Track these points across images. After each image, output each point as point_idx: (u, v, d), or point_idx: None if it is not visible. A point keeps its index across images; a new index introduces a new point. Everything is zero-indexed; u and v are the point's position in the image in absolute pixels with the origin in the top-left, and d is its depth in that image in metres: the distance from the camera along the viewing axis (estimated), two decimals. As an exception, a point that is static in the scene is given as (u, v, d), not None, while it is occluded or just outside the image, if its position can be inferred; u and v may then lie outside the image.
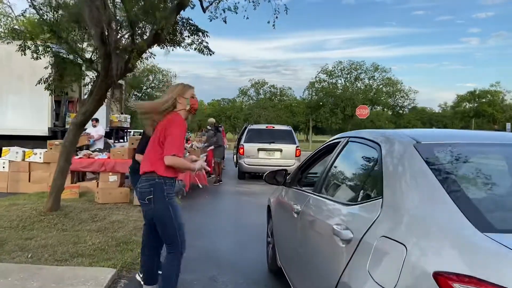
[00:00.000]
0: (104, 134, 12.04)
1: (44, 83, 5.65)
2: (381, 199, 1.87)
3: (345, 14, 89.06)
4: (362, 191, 2.15)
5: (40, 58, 5.47)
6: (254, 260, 4.65)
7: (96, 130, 11.58)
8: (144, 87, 46.68)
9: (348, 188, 2.51)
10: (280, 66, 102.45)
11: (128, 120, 17.38)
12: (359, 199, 2.13)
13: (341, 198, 2.45)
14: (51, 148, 8.74)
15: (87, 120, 5.43)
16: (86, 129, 9.46)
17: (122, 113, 16.54)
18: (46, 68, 5.81)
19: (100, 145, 11.40)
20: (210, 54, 5.97)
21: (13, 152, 8.74)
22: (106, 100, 16.98)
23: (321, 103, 47.23)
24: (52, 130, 11.53)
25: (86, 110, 5.30)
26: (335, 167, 2.83)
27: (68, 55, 5.57)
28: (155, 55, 8.82)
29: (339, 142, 2.93)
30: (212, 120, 13.51)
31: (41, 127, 11.32)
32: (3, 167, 8.67)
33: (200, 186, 8.50)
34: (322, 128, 54.02)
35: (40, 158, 8.68)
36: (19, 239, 4.74)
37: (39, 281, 3.46)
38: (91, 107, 5.25)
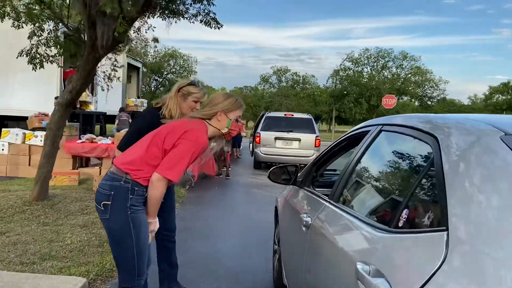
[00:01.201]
0: None
1: (27, 56, 4.99)
2: (445, 232, 1.07)
3: (371, 2, 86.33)
4: (406, 210, 1.34)
5: (22, 27, 4.80)
6: (259, 270, 3.91)
7: None
8: (165, 72, 46.21)
9: (383, 203, 1.69)
10: (303, 55, 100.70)
11: (145, 104, 16.81)
12: (401, 224, 1.32)
13: (370, 216, 1.64)
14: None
15: (75, 99, 4.78)
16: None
17: (138, 97, 15.81)
18: (29, 38, 5.12)
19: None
20: (218, 28, 5.21)
21: (13, 134, 8.23)
22: (124, 84, 16.38)
23: (345, 92, 45.77)
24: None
25: (72, 88, 4.63)
26: (362, 167, 2.02)
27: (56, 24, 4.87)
28: (154, 27, 8.05)
29: (368, 131, 2.11)
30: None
31: (50, 108, 10.83)
32: (2, 149, 8.18)
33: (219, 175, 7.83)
34: (346, 118, 52.54)
35: (40, 141, 8.12)
36: (-13, 233, 4.14)
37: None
38: (78, 85, 4.57)
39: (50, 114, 8.33)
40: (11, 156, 8.11)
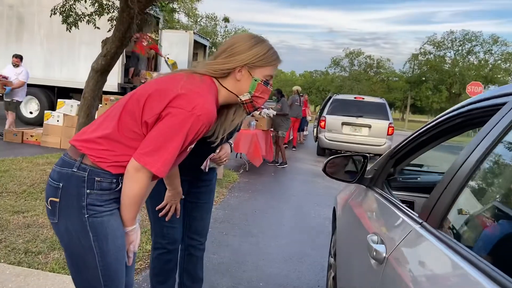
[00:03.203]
0: (27, 81, 8.38)
1: (60, 14, 4.45)
2: None
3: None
4: None
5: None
6: (311, 284, 3.07)
7: (16, 73, 8.08)
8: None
9: None
10: (379, 39, 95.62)
11: None
12: None
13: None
14: (105, 104, 7.88)
15: (110, 65, 4.20)
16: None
17: (158, 70, 13.43)
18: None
19: (20, 96, 8.29)
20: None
21: (68, 105, 8.04)
22: (189, 61, 16.12)
23: (423, 78, 42.44)
24: (122, 86, 10.85)
25: (107, 52, 4.05)
26: (495, 166, 1.07)
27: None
28: None
29: (503, 104, 1.14)
30: (296, 87, 11.88)
31: (111, 82, 10.62)
32: (57, 120, 8.03)
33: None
34: (421, 107, 48.97)
35: (95, 113, 7.86)
36: (6, 211, 3.69)
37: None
38: (112, 48, 3.99)
39: (9, 77, 7.95)
40: (66, 128, 7.93)
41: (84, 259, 1.39)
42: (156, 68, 12.72)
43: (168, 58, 11.79)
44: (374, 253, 1.32)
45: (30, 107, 10.96)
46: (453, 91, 41.23)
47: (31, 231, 3.31)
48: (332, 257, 2.73)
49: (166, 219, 2.07)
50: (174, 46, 13.55)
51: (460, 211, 1.11)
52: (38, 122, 10.08)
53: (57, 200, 1.36)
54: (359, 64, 50.83)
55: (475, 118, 1.32)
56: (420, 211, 1.29)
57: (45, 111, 8.52)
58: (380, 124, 10.27)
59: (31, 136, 8.13)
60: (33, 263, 2.77)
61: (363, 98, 11.18)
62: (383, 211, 1.62)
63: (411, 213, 1.35)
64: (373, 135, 10.29)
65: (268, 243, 3.86)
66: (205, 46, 18.57)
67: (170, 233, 2.17)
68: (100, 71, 4.17)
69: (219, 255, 3.42)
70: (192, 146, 1.48)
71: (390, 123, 10.34)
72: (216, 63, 1.49)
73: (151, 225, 2.21)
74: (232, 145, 2.37)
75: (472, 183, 1.11)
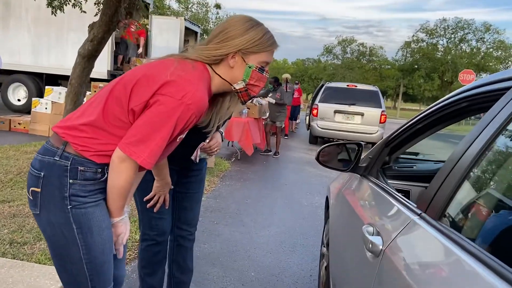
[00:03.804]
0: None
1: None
2: None
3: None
4: None
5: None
6: (302, 274, 3.03)
7: None
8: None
9: None
10: (372, 27, 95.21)
11: None
12: None
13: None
14: (94, 91, 7.74)
15: (97, 50, 4.07)
16: None
17: (149, 57, 13.58)
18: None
19: None
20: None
21: (56, 93, 7.88)
22: (180, 47, 15.79)
23: (416, 66, 42.43)
24: (112, 74, 10.66)
25: (93, 37, 3.92)
26: (501, 154, 1.01)
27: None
28: None
29: (508, 89, 1.08)
30: (286, 75, 11.76)
31: (100, 69, 10.42)
32: (46, 108, 7.87)
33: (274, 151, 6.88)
34: (413, 95, 49.07)
35: (83, 100, 7.72)
36: (-9, 201, 3.60)
37: None
38: (99, 32, 3.85)
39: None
40: (54, 116, 7.78)
41: (68, 252, 1.32)
42: (147, 55, 12.52)
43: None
44: (370, 245, 1.27)
45: (18, 95, 10.75)
46: (445, 79, 41.29)
47: (17, 221, 3.22)
48: (324, 246, 2.69)
49: (155, 210, 2.00)
50: (165, 32, 13.31)
51: (461, 202, 1.05)
52: (26, 109, 9.90)
53: (39, 190, 1.28)
54: (352, 52, 50.59)
55: (482, 103, 1.25)
56: (418, 201, 1.23)
57: (33, 99, 8.35)
58: (372, 112, 10.24)
59: (19, 123, 7.97)
60: (18, 254, 2.69)
61: (356, 86, 11.12)
62: (379, 200, 1.56)
63: (408, 203, 1.30)
64: (365, 123, 10.26)
65: (259, 232, 3.81)
66: (196, 33, 18.32)
67: (159, 225, 2.10)
68: (87, 57, 4.05)
69: (210, 244, 3.37)
70: (183, 136, 1.41)
71: (382, 111, 10.31)
72: (208, 48, 1.39)
73: (139, 216, 2.14)
74: (223, 134, 2.29)
75: (474, 172, 1.05)
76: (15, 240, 2.90)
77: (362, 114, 10.30)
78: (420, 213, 1.14)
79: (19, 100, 10.73)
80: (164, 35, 13.08)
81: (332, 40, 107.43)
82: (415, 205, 1.23)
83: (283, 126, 8.42)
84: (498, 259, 0.78)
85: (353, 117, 10.37)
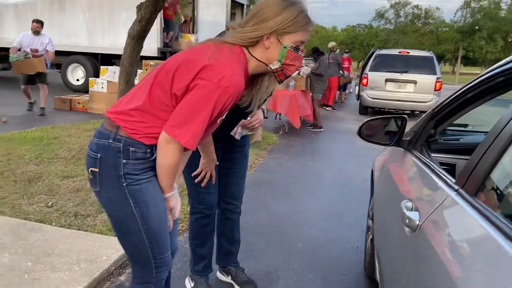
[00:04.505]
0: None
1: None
2: None
3: None
4: None
5: None
6: (348, 246, 3.07)
7: (42, 42, 7.32)
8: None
9: None
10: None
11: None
12: None
13: None
14: (146, 69, 8.00)
15: (146, 31, 4.20)
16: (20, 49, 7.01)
17: (196, 33, 12.36)
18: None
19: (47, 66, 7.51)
20: None
21: (111, 72, 8.24)
22: (227, 21, 15.83)
23: (476, 27, 39.54)
24: (161, 51, 10.93)
25: (141, 17, 4.04)
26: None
27: None
28: None
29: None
30: (333, 44, 11.43)
31: (150, 46, 10.73)
32: (102, 87, 8.28)
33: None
34: (474, 58, 45.96)
35: (136, 79, 8.02)
36: (57, 176, 3.92)
37: (20, 248, 2.46)
38: (146, 13, 3.97)
39: (38, 50, 7.11)
40: (110, 94, 8.16)
41: (128, 224, 1.46)
42: (194, 30, 12.65)
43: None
44: (407, 221, 1.28)
45: (76, 75, 11.35)
46: (510, 40, 38.22)
47: (80, 195, 3.50)
48: (370, 219, 2.70)
49: (202, 185, 2.10)
50: (212, 6, 13.33)
51: (499, 178, 1.03)
52: (84, 89, 10.45)
53: (97, 170, 1.41)
54: (406, 15, 47.93)
55: None
56: (458, 176, 1.22)
57: (90, 78, 8.80)
58: (426, 80, 9.78)
59: (78, 103, 8.46)
60: (82, 226, 2.95)
61: (408, 52, 10.63)
62: (419, 175, 1.54)
63: (448, 178, 1.28)
64: (419, 91, 9.84)
65: (307, 205, 3.87)
66: (242, 5, 18.15)
67: (206, 199, 2.21)
68: (136, 38, 4.20)
69: (257, 216, 3.48)
70: (223, 117, 1.48)
71: (438, 78, 9.82)
72: (243, 31, 1.42)
73: (188, 191, 2.26)
74: (265, 111, 2.33)
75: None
76: (79, 213, 3.16)
77: (415, 82, 9.87)
78: (458, 189, 1.12)
79: (77, 80, 11.33)
80: (211, 10, 13.11)
81: (384, 4, 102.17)
82: (454, 181, 1.21)
83: (319, 98, 8.13)
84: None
85: (405, 85, 9.98)
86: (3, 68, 11.92)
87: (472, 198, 1.02)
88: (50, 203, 3.30)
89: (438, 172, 1.37)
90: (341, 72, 11.43)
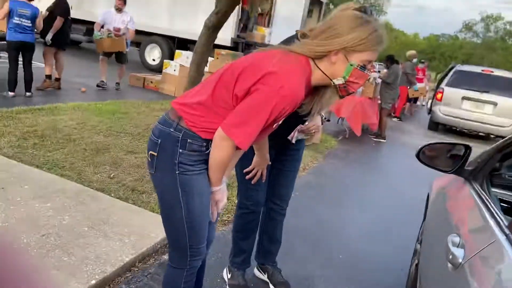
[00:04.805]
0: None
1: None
2: None
3: None
4: None
5: None
6: (394, 266, 2.98)
7: (123, 20, 7.49)
8: None
9: None
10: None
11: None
12: None
13: None
14: (217, 58, 8.20)
15: (221, 22, 4.31)
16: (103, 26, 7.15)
17: (271, 26, 12.31)
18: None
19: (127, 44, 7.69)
20: None
21: (184, 56, 8.56)
22: (303, 17, 15.71)
23: None
24: (235, 41, 11.15)
25: (219, 10, 4.16)
26: None
27: None
28: None
29: None
30: (411, 52, 10.94)
31: (224, 36, 10.97)
32: (174, 70, 8.63)
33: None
34: None
35: (206, 67, 8.27)
36: (122, 150, 4.18)
37: (80, 212, 2.68)
38: (224, 6, 4.08)
39: (117, 27, 7.36)
40: (181, 78, 8.49)
41: (172, 209, 1.54)
42: (269, 23, 12.73)
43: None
44: (451, 256, 1.23)
45: (153, 55, 11.92)
46: None
47: (140, 172, 3.71)
48: (419, 243, 2.60)
49: (252, 182, 2.15)
50: (290, 2, 13.30)
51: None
52: (158, 69, 10.96)
53: (155, 154, 1.50)
54: (496, 30, 44.67)
55: None
56: (513, 221, 1.15)
57: (165, 60, 9.20)
58: (508, 103, 9.09)
59: (151, 82, 8.90)
60: (137, 201, 3.13)
61: (492, 72, 9.92)
62: (473, 210, 1.47)
63: (501, 219, 1.21)
64: (498, 114, 9.17)
65: (355, 216, 3.80)
66: (321, 2, 17.89)
67: (254, 196, 2.26)
68: (212, 28, 4.34)
69: (303, 220, 3.47)
70: (279, 122, 1.51)
71: (522, 103, 9.08)
72: (313, 43, 1.43)
73: (238, 186, 2.32)
74: (324, 117, 2.32)
75: None
76: (136, 188, 3.36)
77: (495, 104, 9.22)
78: (508, 234, 1.06)
79: (153, 60, 11.90)
80: (289, 5, 13.08)
81: (475, 16, 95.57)
82: (507, 223, 1.14)
83: (388, 108, 7.80)
84: None
85: (484, 106, 9.34)
86: (89, 41, 12.81)
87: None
88: (112, 174, 3.54)
89: (493, 211, 1.30)
90: (407, 83, 10.86)
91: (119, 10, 7.49)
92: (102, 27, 7.46)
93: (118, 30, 7.47)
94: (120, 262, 2.29)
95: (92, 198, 2.97)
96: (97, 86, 7.59)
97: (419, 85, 10.43)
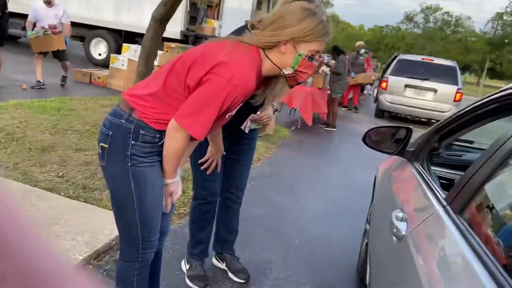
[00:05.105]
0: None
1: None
2: None
3: None
4: None
5: None
6: (345, 247, 3.12)
7: (56, 15, 6.79)
8: None
9: None
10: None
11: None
12: None
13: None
14: (167, 51, 8.06)
15: (169, 14, 4.26)
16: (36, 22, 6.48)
17: (220, 19, 12.35)
18: None
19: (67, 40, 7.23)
20: None
21: (132, 50, 8.34)
22: (252, 10, 15.69)
23: (506, 41, 38.64)
24: (184, 34, 10.98)
25: (167, 1, 4.10)
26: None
27: None
28: None
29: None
30: (360, 43, 11.31)
31: (173, 28, 10.78)
32: (122, 64, 8.39)
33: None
34: (501, 72, 45.01)
35: (156, 60, 8.10)
36: (70, 148, 4.03)
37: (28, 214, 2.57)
38: (172, -4, 4.03)
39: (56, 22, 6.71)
40: (129, 72, 8.25)
41: (124, 201, 1.53)
42: (219, 16, 12.65)
43: None
44: (395, 230, 1.32)
45: (99, 49, 11.48)
46: (540, 57, 37.36)
47: (91, 169, 3.60)
48: (368, 223, 2.74)
49: (207, 172, 2.16)
50: (238, -7, 13.25)
51: (485, 199, 1.06)
52: (105, 64, 10.58)
53: (106, 146, 1.48)
54: (435, 21, 47.12)
55: None
56: (449, 193, 1.25)
57: (112, 55, 8.91)
58: (447, 89, 9.67)
59: (98, 77, 8.59)
60: (88, 199, 3.05)
61: (432, 60, 10.50)
62: (414, 187, 1.58)
63: (440, 194, 1.31)
64: (438, 100, 9.73)
65: (309, 203, 3.91)
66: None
67: (210, 186, 2.28)
68: (159, 20, 4.26)
69: (259, 209, 3.54)
70: (232, 113, 1.53)
71: (458, 89, 9.70)
72: (262, 34, 1.47)
73: (193, 177, 2.33)
74: (275, 107, 2.38)
75: (504, 170, 1.05)
76: (87, 186, 3.26)
77: (435, 91, 9.77)
78: (445, 206, 1.16)
79: (99, 54, 11.47)
80: (238, -4, 13.04)
81: (415, 7, 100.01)
82: (444, 197, 1.25)
83: (338, 97, 8.06)
84: (504, 271, 0.80)
85: (425, 93, 9.88)
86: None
87: (456, 216, 1.06)
88: (61, 173, 3.42)
89: (432, 186, 1.40)
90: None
91: (48, 3, 6.68)
92: (35, 25, 6.74)
93: (55, 27, 6.78)
94: (73, 261, 2.23)
95: (41, 198, 2.86)
96: (32, 88, 6.77)
97: (363, 74, 10.79)
